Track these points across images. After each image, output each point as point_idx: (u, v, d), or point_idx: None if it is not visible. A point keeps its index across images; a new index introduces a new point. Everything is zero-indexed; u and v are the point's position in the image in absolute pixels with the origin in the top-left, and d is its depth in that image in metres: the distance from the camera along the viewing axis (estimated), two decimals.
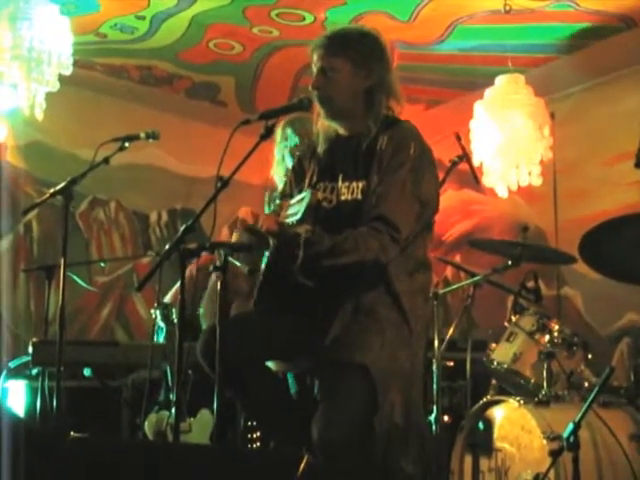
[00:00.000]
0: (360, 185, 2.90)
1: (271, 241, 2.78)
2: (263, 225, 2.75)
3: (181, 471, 2.42)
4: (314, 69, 3.01)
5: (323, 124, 3.06)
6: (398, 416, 2.71)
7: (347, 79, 2.96)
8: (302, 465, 2.69)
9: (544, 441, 3.43)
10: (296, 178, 3.16)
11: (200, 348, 2.89)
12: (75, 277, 4.85)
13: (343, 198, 2.93)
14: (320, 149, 3.07)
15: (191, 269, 3.62)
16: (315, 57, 3.01)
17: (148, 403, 4.53)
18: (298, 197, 2.71)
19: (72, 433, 2.34)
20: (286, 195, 3.13)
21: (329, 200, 2.95)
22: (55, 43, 4.81)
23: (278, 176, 4.01)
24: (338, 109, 3.00)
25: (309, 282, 2.76)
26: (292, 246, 2.70)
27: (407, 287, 2.83)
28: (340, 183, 2.95)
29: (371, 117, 2.95)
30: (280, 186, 3.48)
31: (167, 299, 5.07)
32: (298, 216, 2.63)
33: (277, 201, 3.05)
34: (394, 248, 2.77)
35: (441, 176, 4.25)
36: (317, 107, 3.01)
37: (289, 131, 4.00)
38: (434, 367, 4.27)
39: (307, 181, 3.06)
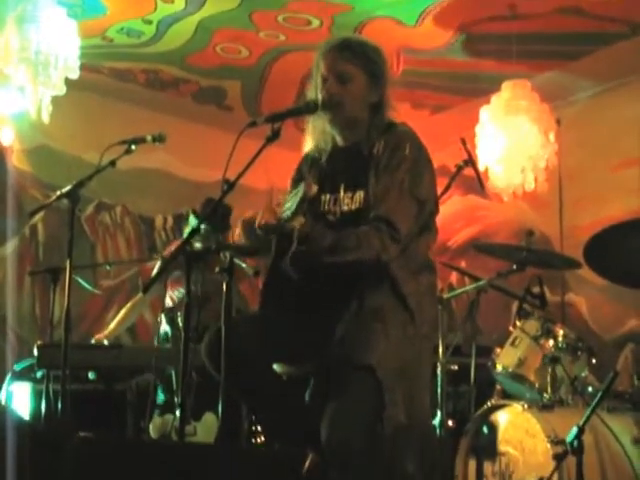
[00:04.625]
0: (363, 194, 2.88)
1: (273, 241, 2.80)
2: (262, 219, 2.76)
3: (186, 469, 2.42)
4: (325, 73, 2.93)
5: (322, 132, 3.02)
6: (402, 415, 2.71)
7: (361, 89, 2.93)
8: (307, 463, 2.70)
9: (548, 445, 3.43)
10: (296, 188, 3.14)
11: (204, 349, 2.89)
12: (81, 280, 4.86)
13: (346, 209, 2.91)
14: (318, 158, 3.04)
15: None
16: (328, 61, 2.94)
17: (153, 406, 4.54)
18: (294, 192, 2.72)
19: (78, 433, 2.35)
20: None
21: (333, 212, 2.94)
22: (62, 46, 4.83)
23: None
24: (346, 117, 2.96)
25: (296, 274, 2.78)
26: (288, 239, 2.72)
27: (414, 289, 2.83)
28: (342, 194, 2.94)
29: (373, 130, 2.94)
30: None
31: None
32: (292, 209, 2.64)
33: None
34: (394, 247, 2.77)
35: (446, 181, 4.30)
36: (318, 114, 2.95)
37: None
38: (438, 371, 4.27)
39: None
